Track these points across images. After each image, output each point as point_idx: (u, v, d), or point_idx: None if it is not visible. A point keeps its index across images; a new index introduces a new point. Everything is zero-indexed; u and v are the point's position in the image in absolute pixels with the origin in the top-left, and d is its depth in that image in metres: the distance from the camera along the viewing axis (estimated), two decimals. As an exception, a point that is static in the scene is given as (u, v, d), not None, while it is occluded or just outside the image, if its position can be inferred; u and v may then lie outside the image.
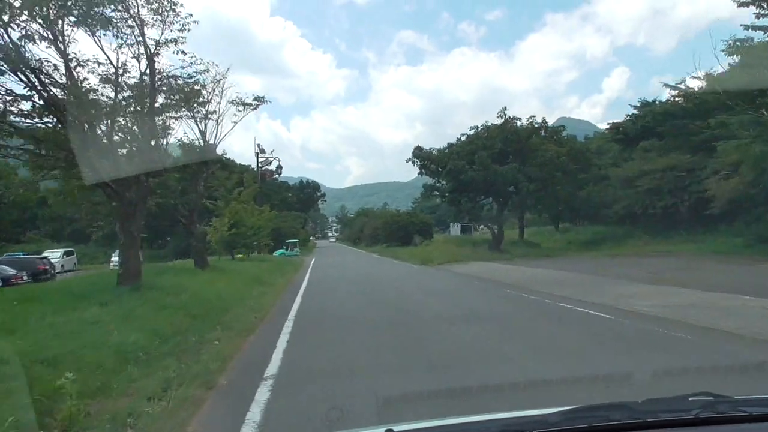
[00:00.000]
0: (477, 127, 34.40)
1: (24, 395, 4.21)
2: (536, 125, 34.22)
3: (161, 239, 51.41)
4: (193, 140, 18.87)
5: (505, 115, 34.02)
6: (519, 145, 32.93)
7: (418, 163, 35.82)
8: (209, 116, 18.82)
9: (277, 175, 45.77)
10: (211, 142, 19.48)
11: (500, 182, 32.91)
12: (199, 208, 20.79)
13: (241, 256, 30.14)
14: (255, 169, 42.97)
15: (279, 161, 42.77)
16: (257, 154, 39.68)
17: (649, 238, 34.27)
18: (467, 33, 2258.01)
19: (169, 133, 17.36)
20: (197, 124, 18.72)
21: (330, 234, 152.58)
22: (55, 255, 35.64)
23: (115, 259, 41.76)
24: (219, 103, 19.33)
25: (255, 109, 20.60)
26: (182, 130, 19.87)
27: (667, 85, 36.44)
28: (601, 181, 41.12)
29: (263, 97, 21.09)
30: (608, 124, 44.88)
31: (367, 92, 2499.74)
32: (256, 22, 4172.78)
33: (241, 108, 19.96)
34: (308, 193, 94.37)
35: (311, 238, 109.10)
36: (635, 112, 41.68)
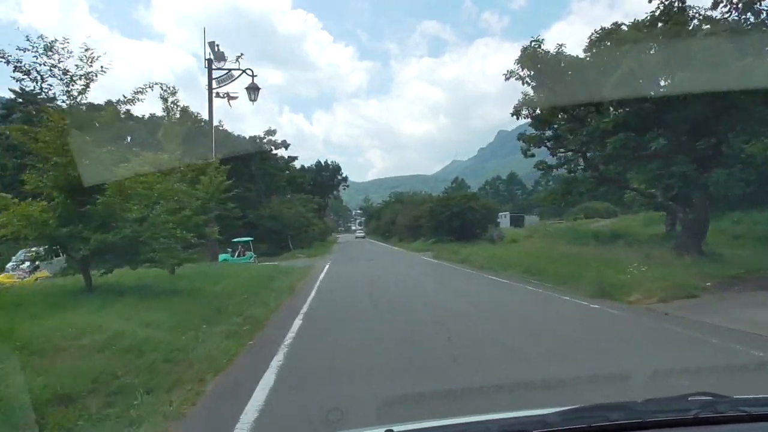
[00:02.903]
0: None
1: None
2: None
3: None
4: None
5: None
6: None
7: (527, 79, 17.44)
8: None
9: (252, 101, 24.19)
10: None
11: (734, 108, 14.02)
12: None
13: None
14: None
15: (253, 75, 22.46)
16: (208, 61, 21.66)
17: None
18: (490, 23, 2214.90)
19: None
20: None
21: (354, 228, 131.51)
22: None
23: (12, 265, 25.98)
24: None
25: None
26: None
27: None
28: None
29: None
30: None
31: (389, 84, 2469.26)
32: (277, 14, 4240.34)
33: None
34: (326, 176, 76.65)
35: (333, 233, 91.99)
36: None
